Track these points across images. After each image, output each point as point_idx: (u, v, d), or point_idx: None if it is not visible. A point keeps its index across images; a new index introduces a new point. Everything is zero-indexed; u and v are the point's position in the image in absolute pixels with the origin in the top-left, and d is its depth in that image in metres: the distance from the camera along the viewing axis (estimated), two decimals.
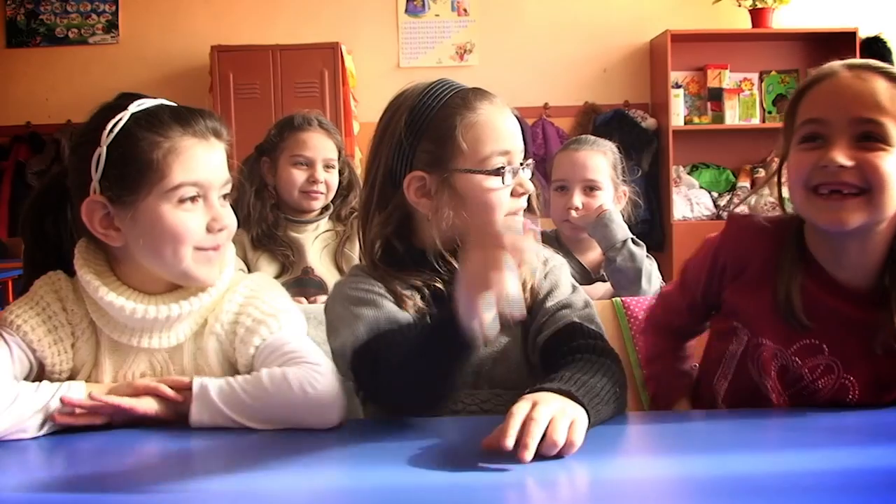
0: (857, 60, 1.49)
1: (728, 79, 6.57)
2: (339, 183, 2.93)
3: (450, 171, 1.53)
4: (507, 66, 6.63)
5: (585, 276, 2.60)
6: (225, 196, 1.55)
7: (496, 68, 6.58)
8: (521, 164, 1.56)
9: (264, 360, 1.48)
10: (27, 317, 1.50)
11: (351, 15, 6.64)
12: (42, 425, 1.40)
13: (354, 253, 2.76)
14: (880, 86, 1.43)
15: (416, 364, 1.36)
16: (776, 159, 1.59)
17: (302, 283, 2.72)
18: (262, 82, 6.17)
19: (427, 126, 1.55)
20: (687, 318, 1.73)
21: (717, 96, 6.52)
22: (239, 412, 1.41)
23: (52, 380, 1.48)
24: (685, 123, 6.48)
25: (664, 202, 6.47)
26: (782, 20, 6.54)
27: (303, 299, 2.55)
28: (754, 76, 6.64)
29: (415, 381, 1.38)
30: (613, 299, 2.28)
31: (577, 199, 2.61)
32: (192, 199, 1.49)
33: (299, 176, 2.84)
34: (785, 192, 1.56)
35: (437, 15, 6.73)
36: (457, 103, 1.54)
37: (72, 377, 1.51)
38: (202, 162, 1.50)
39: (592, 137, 2.77)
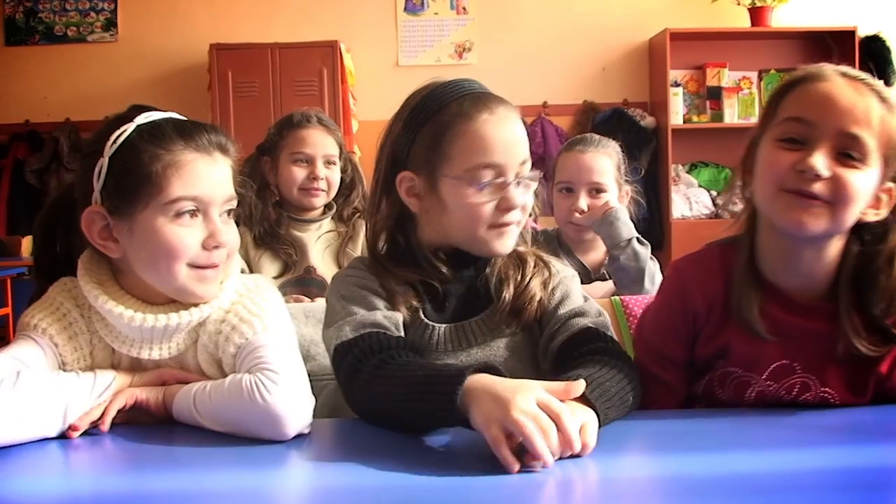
0: (852, 70, 1.47)
1: (727, 77, 6.57)
2: (342, 181, 2.93)
3: (436, 176, 1.54)
4: (506, 64, 6.62)
5: (585, 275, 2.60)
6: (229, 212, 1.53)
7: (495, 67, 6.57)
8: (517, 179, 1.53)
9: (240, 364, 1.46)
10: (50, 320, 1.49)
11: (350, 13, 6.64)
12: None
13: (357, 253, 2.76)
14: (873, 102, 1.42)
15: (390, 404, 1.36)
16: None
17: (304, 283, 2.72)
18: (260, 80, 6.16)
19: (422, 128, 1.55)
20: (680, 391, 1.61)
21: (716, 95, 6.52)
22: (201, 412, 1.41)
23: None
24: (684, 122, 6.49)
25: (663, 201, 6.47)
26: (781, 19, 6.55)
27: (304, 298, 2.55)
28: (753, 75, 6.64)
29: (382, 415, 1.39)
30: (612, 298, 2.27)
31: (583, 201, 2.60)
32: (191, 214, 1.47)
33: (299, 173, 2.84)
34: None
35: (436, 13, 6.73)
36: (453, 110, 1.53)
37: None
38: (203, 177, 1.47)
39: (597, 137, 2.75)
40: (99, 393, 1.43)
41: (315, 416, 1.61)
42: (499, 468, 1.16)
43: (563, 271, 1.66)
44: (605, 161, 2.64)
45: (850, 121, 1.40)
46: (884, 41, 6.46)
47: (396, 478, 1.16)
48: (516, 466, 1.15)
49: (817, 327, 1.47)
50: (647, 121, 6.54)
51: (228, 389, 1.39)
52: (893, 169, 1.45)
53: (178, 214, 1.45)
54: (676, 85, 6.52)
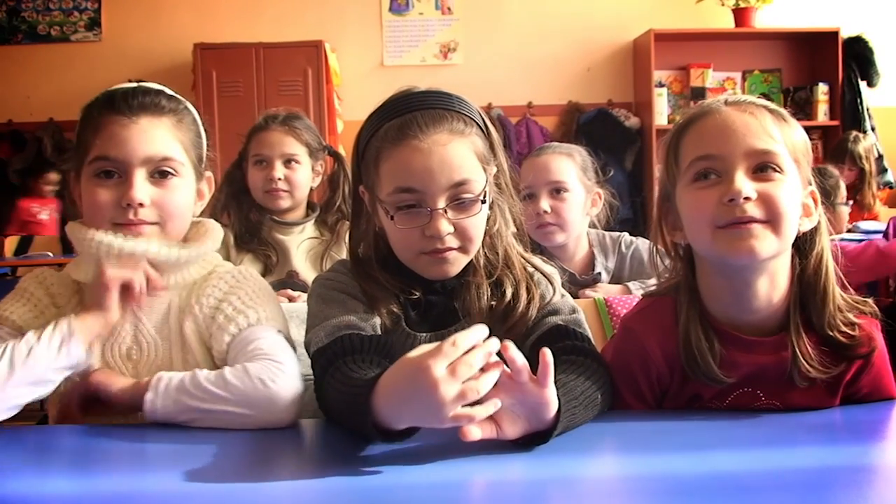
0: (733, 96, 1.48)
1: (711, 78, 6.61)
2: (330, 179, 2.93)
3: (374, 196, 1.54)
4: (491, 64, 6.63)
5: (573, 281, 2.58)
6: (164, 174, 1.56)
7: (480, 67, 6.59)
8: (442, 207, 1.48)
9: (236, 355, 1.50)
10: (14, 308, 1.54)
11: (335, 13, 6.63)
12: (52, 359, 1.43)
13: (341, 257, 2.75)
14: (766, 118, 1.43)
15: (337, 416, 1.36)
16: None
17: (286, 287, 2.71)
18: (244, 80, 6.15)
19: (366, 146, 1.55)
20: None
21: (700, 95, 6.54)
22: (197, 399, 1.41)
23: None
24: (668, 122, 6.50)
25: (647, 201, 6.49)
26: (765, 20, 6.58)
27: (290, 293, 2.54)
28: (737, 75, 6.68)
29: (338, 420, 1.38)
30: (596, 297, 2.28)
31: (545, 202, 2.56)
32: (108, 174, 1.54)
33: (258, 175, 2.84)
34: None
35: (421, 13, 6.73)
36: (382, 134, 1.50)
37: None
38: (117, 137, 1.54)
39: (557, 143, 2.76)
40: (59, 339, 1.44)
41: (299, 416, 1.59)
42: (477, 468, 1.17)
43: (542, 267, 1.64)
44: (562, 161, 2.62)
45: (753, 139, 1.40)
46: (866, 42, 6.50)
47: (374, 478, 1.16)
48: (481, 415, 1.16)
49: (775, 359, 1.45)
50: (632, 121, 6.56)
51: (234, 376, 1.42)
52: (807, 173, 1.46)
53: (98, 173, 1.55)
54: (661, 85, 6.55)
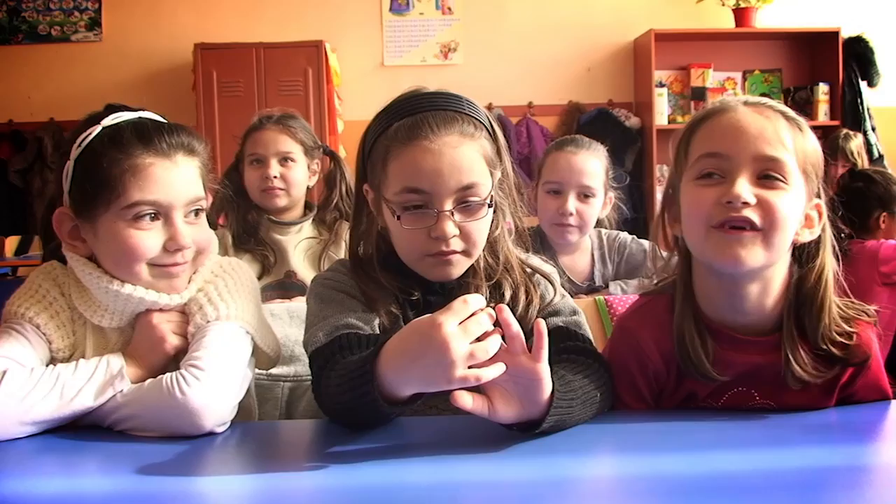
0: (753, 97, 1.48)
1: (711, 78, 6.60)
2: (327, 178, 2.93)
3: (380, 195, 1.53)
4: (492, 65, 6.63)
5: (574, 288, 2.57)
6: (197, 212, 1.56)
7: (480, 67, 6.58)
8: (457, 206, 1.48)
9: (191, 348, 1.50)
10: (30, 304, 1.54)
11: (335, 13, 6.63)
12: (97, 396, 1.42)
13: (339, 257, 2.75)
14: (781, 124, 1.42)
15: (342, 398, 1.34)
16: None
17: (284, 287, 2.72)
18: (245, 80, 6.14)
19: (374, 145, 1.54)
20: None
21: (700, 95, 6.54)
22: (120, 410, 1.42)
23: (54, 360, 1.52)
24: (669, 122, 6.50)
25: (648, 201, 6.49)
26: (765, 20, 6.57)
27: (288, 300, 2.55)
28: (738, 75, 6.67)
29: (339, 409, 1.38)
30: (597, 297, 2.28)
31: (573, 203, 2.57)
32: (151, 217, 1.50)
33: (254, 175, 2.85)
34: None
35: (421, 13, 6.73)
36: (392, 133, 1.50)
37: (72, 355, 1.55)
38: (161, 181, 1.50)
39: (587, 139, 2.71)
40: (107, 380, 1.44)
41: (299, 417, 1.60)
42: (476, 468, 1.16)
43: (542, 267, 1.65)
44: (595, 164, 2.62)
45: (763, 145, 1.40)
46: (867, 42, 6.49)
47: (372, 478, 1.16)
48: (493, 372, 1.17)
49: (769, 359, 1.45)
50: (632, 121, 6.56)
51: (149, 388, 1.42)
52: (815, 185, 1.45)
53: (137, 218, 1.49)
54: (661, 85, 6.54)
